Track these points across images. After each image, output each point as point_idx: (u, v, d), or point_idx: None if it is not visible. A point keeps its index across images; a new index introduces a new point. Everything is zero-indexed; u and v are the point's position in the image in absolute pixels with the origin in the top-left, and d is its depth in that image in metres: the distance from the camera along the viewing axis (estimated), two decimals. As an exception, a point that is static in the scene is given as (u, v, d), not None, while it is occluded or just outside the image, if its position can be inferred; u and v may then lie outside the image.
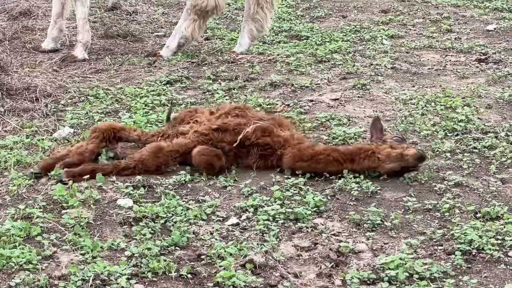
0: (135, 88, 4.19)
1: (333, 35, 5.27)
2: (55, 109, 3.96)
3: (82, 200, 3.02)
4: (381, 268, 2.39)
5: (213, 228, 2.75)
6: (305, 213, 2.94)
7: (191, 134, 3.69)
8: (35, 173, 3.30)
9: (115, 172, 3.51)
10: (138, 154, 3.61)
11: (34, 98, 4.02)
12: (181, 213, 2.94)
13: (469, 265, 2.48)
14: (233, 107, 3.92)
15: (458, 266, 2.45)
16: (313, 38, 5.21)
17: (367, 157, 3.47)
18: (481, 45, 4.98)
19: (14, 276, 2.41)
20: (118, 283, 2.30)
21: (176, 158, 3.62)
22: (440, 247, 2.51)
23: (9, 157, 3.39)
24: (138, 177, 3.31)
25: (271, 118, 3.85)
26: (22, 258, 2.53)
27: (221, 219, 2.91)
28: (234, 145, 3.64)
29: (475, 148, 3.44)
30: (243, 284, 2.34)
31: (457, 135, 3.57)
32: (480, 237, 2.49)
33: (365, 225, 2.74)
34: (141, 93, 4.14)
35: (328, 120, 3.81)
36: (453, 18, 5.69)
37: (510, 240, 2.54)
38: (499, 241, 2.57)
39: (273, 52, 4.73)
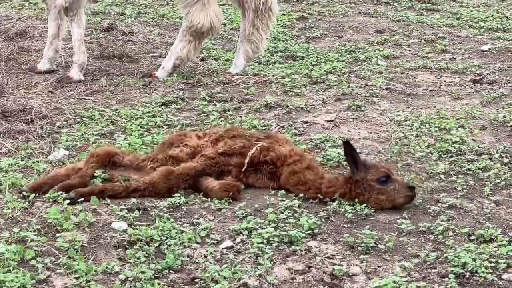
0: (130, 110, 4.19)
1: (328, 55, 5.23)
2: (50, 131, 3.93)
3: (76, 223, 2.98)
4: (375, 291, 2.30)
5: (207, 251, 2.74)
6: (299, 236, 2.90)
7: (198, 158, 3.70)
8: (23, 194, 3.26)
9: (125, 193, 3.49)
10: (149, 177, 3.60)
11: (30, 120, 3.99)
12: (176, 236, 2.92)
13: (463, 288, 2.34)
14: (225, 129, 3.90)
15: (452, 289, 2.32)
16: (308, 58, 5.18)
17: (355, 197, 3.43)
18: (476, 66, 4.95)
19: (8, 301, 2.25)
20: (112, 307, 2.18)
21: (187, 181, 3.62)
22: (434, 270, 2.50)
23: (3, 179, 3.37)
24: (133, 200, 3.29)
25: (267, 136, 3.84)
26: (16, 282, 2.49)
27: (215, 242, 2.91)
28: (244, 168, 3.64)
29: (469, 169, 3.42)
30: (238, 307, 2.21)
31: (451, 156, 3.55)
32: (474, 259, 2.48)
33: (359, 247, 2.72)
34: (137, 115, 4.13)
35: (322, 142, 3.76)
36: (448, 38, 5.67)
37: (504, 263, 2.52)
38: (492, 264, 2.56)
39: (268, 73, 4.71)
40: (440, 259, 2.53)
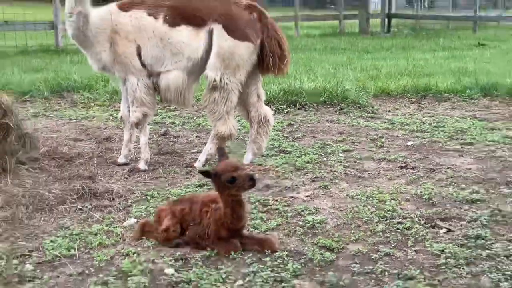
0: (177, 190, 3.98)
1: (307, 150, 4.99)
2: (125, 205, 3.74)
3: (141, 270, 2.81)
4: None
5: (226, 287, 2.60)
6: (288, 277, 2.70)
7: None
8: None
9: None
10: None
11: (111, 198, 3.83)
12: (206, 277, 2.74)
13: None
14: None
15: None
16: (294, 152, 4.93)
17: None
18: (403, 156, 4.73)
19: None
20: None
21: None
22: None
23: (94, 240, 3.16)
24: (178, 252, 2.98)
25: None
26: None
27: (232, 281, 2.71)
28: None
29: (398, 229, 3.24)
30: None
31: (386, 220, 3.38)
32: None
33: (326, 284, 2.52)
34: (181, 193, 3.94)
35: (303, 210, 3.58)
36: (385, 137, 5.41)
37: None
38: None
39: (267, 163, 4.54)
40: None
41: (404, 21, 17.10)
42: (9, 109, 4.13)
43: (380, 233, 3.11)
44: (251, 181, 2.71)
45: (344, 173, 4.21)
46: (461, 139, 5.10)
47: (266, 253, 2.81)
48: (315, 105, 6.46)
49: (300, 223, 3.28)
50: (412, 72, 8.33)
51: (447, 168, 4.27)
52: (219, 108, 4.12)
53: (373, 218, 3.32)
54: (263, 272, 2.66)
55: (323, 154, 4.80)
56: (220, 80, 4.01)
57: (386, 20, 15.97)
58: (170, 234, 2.91)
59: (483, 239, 2.95)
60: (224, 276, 2.63)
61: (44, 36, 12.19)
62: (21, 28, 11.52)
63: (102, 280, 2.59)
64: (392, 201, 3.61)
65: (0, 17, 11.94)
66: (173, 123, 5.85)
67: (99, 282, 2.58)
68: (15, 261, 2.75)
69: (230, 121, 4.19)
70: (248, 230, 2.99)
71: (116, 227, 3.26)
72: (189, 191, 3.91)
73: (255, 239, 2.90)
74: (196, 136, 5.37)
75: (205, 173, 2.85)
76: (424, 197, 3.67)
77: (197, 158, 4.54)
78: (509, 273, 2.62)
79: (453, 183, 3.96)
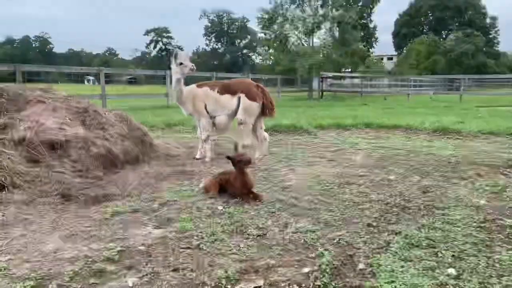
0: (221, 169, 5.19)
1: (285, 151, 7.56)
2: (199, 177, 5.26)
3: (207, 207, 4.10)
4: None
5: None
6: None
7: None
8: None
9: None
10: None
11: (193, 174, 5.46)
12: (236, 210, 3.91)
13: None
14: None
15: None
16: (279, 152, 7.32)
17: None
18: (329, 155, 6.93)
19: None
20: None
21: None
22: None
23: (185, 193, 4.63)
24: (223, 199, 4.29)
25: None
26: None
27: (249, 212, 3.90)
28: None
29: (321, 184, 4.84)
30: None
31: (319, 184, 4.88)
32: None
33: None
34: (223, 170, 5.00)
35: (281, 180, 5.05)
36: (321, 145, 8.16)
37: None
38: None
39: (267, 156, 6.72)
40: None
41: (329, 93, 31.36)
42: (146, 132, 6.67)
43: (318, 190, 4.70)
44: (249, 161, 4.24)
45: (301, 163, 6.39)
46: (355, 147, 8.03)
47: (262, 202, 4.17)
48: (288, 131, 10.16)
49: (280, 185, 4.93)
50: (333, 116, 12.94)
51: (349, 160, 6.60)
52: (242, 133, 6.37)
53: (315, 184, 5.01)
54: (263, 209, 4.04)
55: (291, 154, 7.25)
56: (242, 120, 6.42)
57: (321, 92, 31.04)
58: (214, 192, 4.44)
59: (366, 193, 4.64)
60: (245, 210, 3.94)
61: (160, 100, 20.07)
62: (152, 97, 21.21)
63: (189, 211, 3.91)
64: (323, 176, 5.45)
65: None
66: (217, 140, 7.90)
67: (188, 212, 3.88)
68: (150, 202, 4.18)
69: (248, 138, 6.51)
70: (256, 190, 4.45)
71: (196, 186, 4.83)
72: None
73: (256, 194, 4.34)
74: (229, 148, 7.23)
75: (228, 157, 4.36)
76: (338, 174, 5.60)
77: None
78: (378, 206, 3.97)
79: (352, 167, 6.07)
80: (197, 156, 6.69)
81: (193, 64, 6.31)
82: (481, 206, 4.06)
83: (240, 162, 4.24)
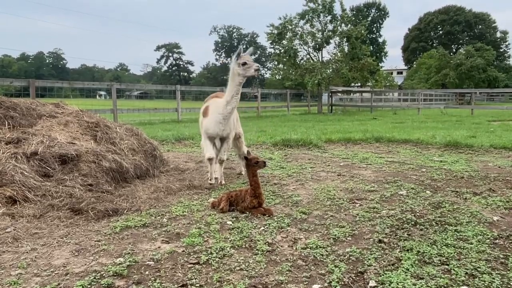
0: (233, 185, 5.38)
1: (293, 167, 7.11)
2: (208, 192, 5.13)
3: (216, 222, 3.98)
4: None
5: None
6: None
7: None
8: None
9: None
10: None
11: (202, 189, 5.21)
12: (245, 225, 3.92)
13: None
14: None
15: None
16: (287, 168, 6.98)
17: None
18: (338, 170, 6.70)
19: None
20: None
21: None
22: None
23: (194, 207, 4.50)
24: (233, 214, 4.16)
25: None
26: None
27: (258, 228, 3.78)
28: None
29: (336, 204, 4.56)
30: None
31: (331, 199, 4.71)
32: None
33: None
34: (235, 187, 5.26)
35: (291, 195, 4.87)
36: (330, 161, 7.75)
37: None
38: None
39: (274, 173, 6.34)
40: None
41: (338, 107, 31.59)
42: (156, 146, 6.46)
43: (328, 206, 4.55)
44: (264, 163, 4.31)
45: (311, 178, 6.11)
46: (365, 162, 7.73)
47: (272, 216, 4.14)
48: (297, 146, 9.96)
49: (290, 200, 4.78)
50: (342, 131, 13.01)
51: (359, 175, 6.28)
52: (241, 146, 6.44)
53: (325, 199, 4.84)
54: (272, 224, 3.92)
55: (300, 169, 7.00)
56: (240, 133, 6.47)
57: (330, 107, 31.13)
58: (224, 209, 4.39)
59: (377, 208, 4.48)
60: (254, 225, 3.88)
61: (170, 114, 20.71)
62: (162, 111, 20.59)
63: (198, 226, 3.82)
64: (333, 191, 5.26)
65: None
66: (231, 154, 8.14)
67: (197, 227, 3.79)
68: (159, 217, 4.16)
69: (243, 148, 6.43)
70: (266, 205, 4.51)
71: (205, 201, 4.70)
72: (238, 186, 5.52)
73: (266, 209, 4.33)
74: (238, 163, 7.35)
75: (246, 158, 4.39)
76: (348, 189, 5.39)
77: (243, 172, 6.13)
78: (389, 222, 3.87)
79: (362, 182, 5.81)
80: (209, 182, 5.99)
81: (258, 65, 5.20)
82: (494, 222, 3.98)
83: (256, 164, 4.30)
